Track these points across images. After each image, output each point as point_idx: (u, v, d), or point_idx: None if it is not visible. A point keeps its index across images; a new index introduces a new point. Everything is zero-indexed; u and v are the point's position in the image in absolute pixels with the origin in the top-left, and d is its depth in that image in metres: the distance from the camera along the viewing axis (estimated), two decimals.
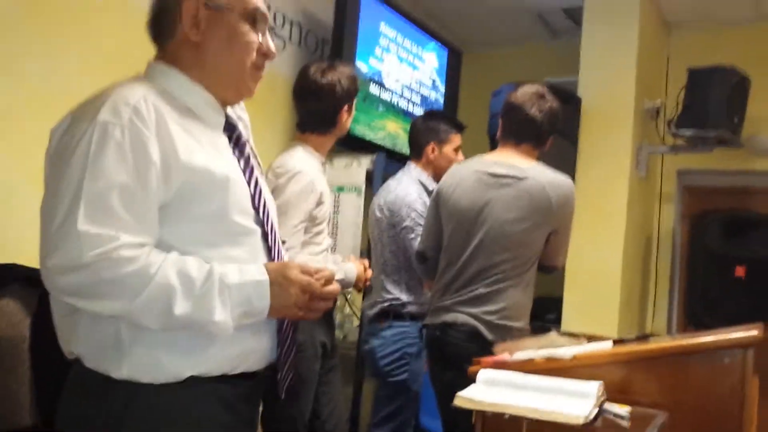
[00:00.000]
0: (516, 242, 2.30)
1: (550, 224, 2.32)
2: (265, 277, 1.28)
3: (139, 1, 2.51)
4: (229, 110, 1.49)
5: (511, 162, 2.37)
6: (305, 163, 2.29)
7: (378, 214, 2.87)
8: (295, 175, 2.22)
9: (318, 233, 2.33)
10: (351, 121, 2.48)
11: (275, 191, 2.10)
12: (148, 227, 1.23)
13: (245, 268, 1.28)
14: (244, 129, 1.56)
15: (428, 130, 3.00)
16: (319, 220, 2.33)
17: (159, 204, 1.25)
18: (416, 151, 3.02)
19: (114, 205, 1.18)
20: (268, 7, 1.50)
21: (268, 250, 1.39)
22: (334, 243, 2.72)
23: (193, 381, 1.26)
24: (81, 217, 1.15)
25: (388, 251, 2.84)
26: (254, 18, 1.39)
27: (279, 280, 1.29)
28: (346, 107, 2.41)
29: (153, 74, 1.38)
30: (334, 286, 1.40)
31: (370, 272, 2.56)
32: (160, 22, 1.39)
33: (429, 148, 2.98)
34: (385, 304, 2.82)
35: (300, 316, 1.36)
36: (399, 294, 2.82)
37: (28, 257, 1.80)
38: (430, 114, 3.17)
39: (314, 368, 2.37)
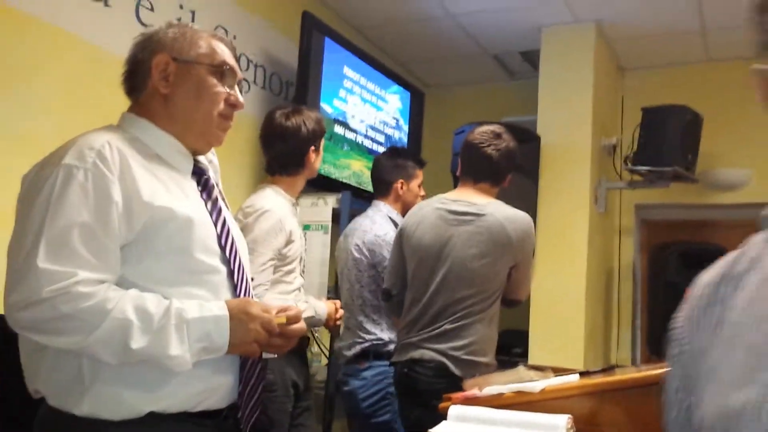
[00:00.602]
0: (478, 278, 2.33)
1: (511, 259, 2.36)
2: (225, 312, 1.30)
3: (103, 46, 2.55)
4: (201, 155, 1.53)
5: (471, 199, 2.43)
6: (274, 202, 2.32)
7: (356, 254, 2.85)
8: (263, 214, 2.24)
9: (289, 272, 2.33)
10: (320, 162, 2.52)
11: (244, 230, 2.11)
12: (107, 265, 1.25)
13: (206, 304, 1.30)
14: (214, 173, 1.60)
15: (396, 167, 3.03)
16: (290, 259, 2.33)
17: (121, 243, 1.28)
18: (383, 189, 3.04)
19: (74, 243, 1.21)
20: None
21: (234, 288, 1.41)
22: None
23: (153, 417, 1.27)
24: (41, 254, 1.19)
25: (367, 291, 2.82)
26: (221, 72, 1.46)
27: (239, 316, 1.31)
28: (312, 148, 2.45)
29: (124, 123, 1.45)
30: (300, 325, 1.42)
31: (341, 312, 2.56)
32: (132, 76, 1.46)
33: (398, 185, 3.02)
34: (366, 344, 2.79)
35: (258, 352, 1.37)
36: (380, 333, 2.80)
37: None
38: (395, 151, 3.20)
39: (285, 408, 2.35)
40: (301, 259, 2.44)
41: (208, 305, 1.30)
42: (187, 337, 1.25)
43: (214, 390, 1.35)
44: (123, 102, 1.97)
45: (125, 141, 1.36)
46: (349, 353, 2.81)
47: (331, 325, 2.54)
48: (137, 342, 1.20)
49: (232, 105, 1.48)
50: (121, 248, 1.28)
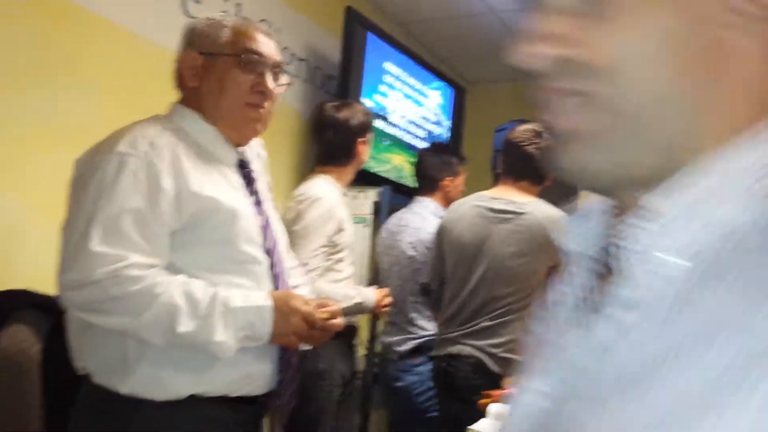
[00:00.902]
0: (516, 276, 2.32)
1: (549, 259, 2.34)
2: (269, 303, 1.34)
3: (149, 37, 2.60)
4: (248, 148, 1.56)
5: (511, 197, 2.42)
6: (324, 190, 2.39)
7: (411, 252, 2.84)
8: (315, 202, 2.31)
9: (339, 260, 2.39)
10: (368, 154, 2.57)
11: (297, 218, 2.21)
12: (157, 250, 1.30)
13: (250, 294, 1.34)
14: (261, 165, 1.63)
15: (443, 164, 3.03)
16: (340, 247, 2.39)
17: (170, 230, 1.32)
18: (430, 186, 3.03)
19: (126, 228, 1.26)
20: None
21: (274, 278, 1.44)
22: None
23: (193, 400, 1.31)
24: (94, 237, 1.24)
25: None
26: (246, 60, 1.46)
27: (282, 308, 1.34)
28: (361, 140, 2.52)
29: (173, 114, 1.49)
30: (339, 321, 1.46)
31: (388, 299, 2.56)
32: (177, 71, 1.52)
33: (445, 182, 3.02)
34: (419, 340, 2.80)
35: (297, 344, 1.41)
36: (433, 329, 2.78)
37: (40, 284, 1.82)
38: (440, 148, 3.18)
39: (333, 397, 2.39)
40: (351, 248, 2.48)
41: (253, 295, 1.33)
42: (231, 324, 1.28)
43: (253, 377, 1.39)
44: (167, 92, 2.01)
45: (174, 132, 1.40)
46: (401, 349, 2.82)
47: (377, 312, 2.56)
48: (184, 326, 1.24)
49: (260, 93, 1.47)
50: (170, 235, 1.32)
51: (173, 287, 1.26)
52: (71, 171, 1.41)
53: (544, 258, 2.33)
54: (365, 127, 2.53)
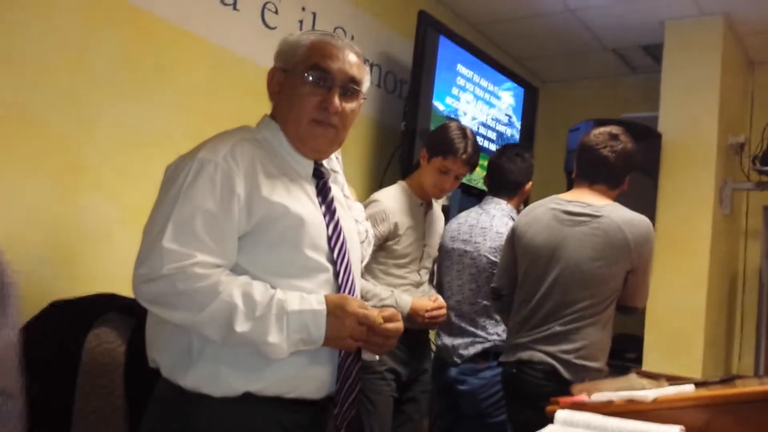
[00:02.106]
0: (592, 281, 2.29)
1: (627, 263, 2.30)
2: (323, 307, 1.38)
3: (231, 48, 2.70)
4: (326, 162, 1.63)
5: (586, 200, 2.38)
6: (387, 194, 2.53)
7: (492, 258, 2.79)
8: (371, 203, 2.46)
9: (398, 266, 2.44)
10: (429, 175, 2.61)
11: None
12: (225, 251, 1.37)
13: (306, 297, 1.38)
14: (336, 180, 1.71)
15: (529, 168, 2.99)
16: (397, 254, 2.44)
17: (239, 233, 1.39)
18: (512, 190, 2.96)
19: (197, 227, 1.33)
20: None
21: (338, 288, 1.48)
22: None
23: (250, 398, 1.36)
24: (167, 235, 1.31)
25: None
26: (314, 75, 1.49)
27: (336, 312, 1.38)
28: (424, 153, 2.63)
29: (259, 125, 1.58)
30: (397, 324, 1.47)
31: (438, 311, 2.56)
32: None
33: (527, 187, 2.99)
34: (488, 345, 2.77)
35: (354, 347, 1.44)
36: (503, 333, 2.76)
37: (126, 288, 1.93)
38: (520, 150, 3.05)
39: (384, 391, 2.43)
40: (420, 259, 2.55)
41: (309, 299, 1.38)
42: (286, 327, 1.34)
43: (308, 379, 1.42)
44: (249, 102, 2.10)
45: (256, 141, 1.49)
46: (467, 352, 2.79)
47: (419, 321, 2.52)
48: (240, 326, 1.31)
49: (325, 109, 1.49)
50: (239, 238, 1.39)
51: (234, 286, 1.32)
52: (161, 180, 1.50)
53: (621, 263, 2.29)
54: (427, 143, 2.67)
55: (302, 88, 1.49)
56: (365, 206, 2.34)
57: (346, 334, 1.39)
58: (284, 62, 1.53)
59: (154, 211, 1.40)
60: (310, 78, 1.49)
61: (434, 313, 2.55)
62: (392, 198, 2.52)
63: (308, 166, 1.55)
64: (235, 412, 1.35)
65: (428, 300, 2.57)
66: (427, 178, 2.60)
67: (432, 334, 3.03)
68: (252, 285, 1.35)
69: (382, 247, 2.48)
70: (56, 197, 2.16)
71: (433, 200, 2.74)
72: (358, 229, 1.75)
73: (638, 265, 2.33)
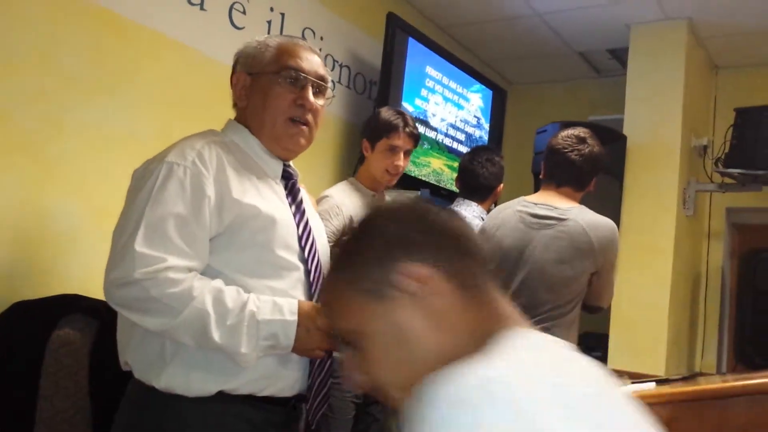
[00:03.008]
0: (557, 283, 2.32)
1: (591, 265, 2.33)
2: (294, 318, 1.39)
3: (199, 48, 2.68)
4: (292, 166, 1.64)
5: (553, 203, 2.41)
6: (337, 190, 2.54)
7: None
8: (321, 199, 2.47)
9: None
10: (378, 158, 2.60)
11: None
12: (197, 253, 1.37)
13: (279, 305, 1.39)
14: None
15: (500, 171, 3.02)
16: None
17: (211, 235, 1.40)
18: (484, 194, 2.99)
19: (169, 231, 1.34)
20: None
21: (309, 286, 1.50)
22: None
23: (223, 397, 1.38)
24: (139, 238, 1.31)
25: None
26: (287, 76, 1.53)
27: (306, 324, 1.40)
28: (365, 141, 2.64)
29: (225, 129, 1.61)
30: None
31: None
32: (232, 91, 1.62)
33: (499, 189, 3.03)
34: None
35: (322, 356, 1.47)
36: None
37: (91, 289, 1.91)
38: (490, 155, 3.06)
39: (345, 396, 2.42)
40: None
41: (281, 307, 1.39)
42: (255, 335, 1.35)
43: (280, 378, 1.44)
44: (218, 102, 2.09)
45: (224, 144, 1.49)
46: None
47: None
48: (214, 333, 1.32)
49: (301, 106, 1.53)
50: (211, 240, 1.40)
51: (206, 293, 1.33)
52: (127, 179, 1.50)
53: (586, 265, 2.32)
54: (368, 129, 2.68)
55: (276, 88, 1.52)
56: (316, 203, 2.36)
57: (314, 345, 1.41)
58: (250, 66, 1.56)
59: (123, 215, 1.40)
60: (286, 78, 1.53)
61: None
62: (343, 192, 2.52)
63: (277, 167, 1.57)
64: (207, 410, 1.37)
65: None
66: (377, 165, 2.59)
67: None
68: (224, 292, 1.35)
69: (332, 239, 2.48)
70: (21, 195, 2.13)
71: (386, 193, 2.73)
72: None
73: (602, 267, 2.36)
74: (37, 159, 2.17)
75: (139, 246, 1.30)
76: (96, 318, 1.95)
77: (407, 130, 2.57)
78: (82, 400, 1.86)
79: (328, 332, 1.41)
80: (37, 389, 1.81)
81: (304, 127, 1.55)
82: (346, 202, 2.47)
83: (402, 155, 2.59)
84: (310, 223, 1.57)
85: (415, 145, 2.66)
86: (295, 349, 1.40)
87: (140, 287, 1.29)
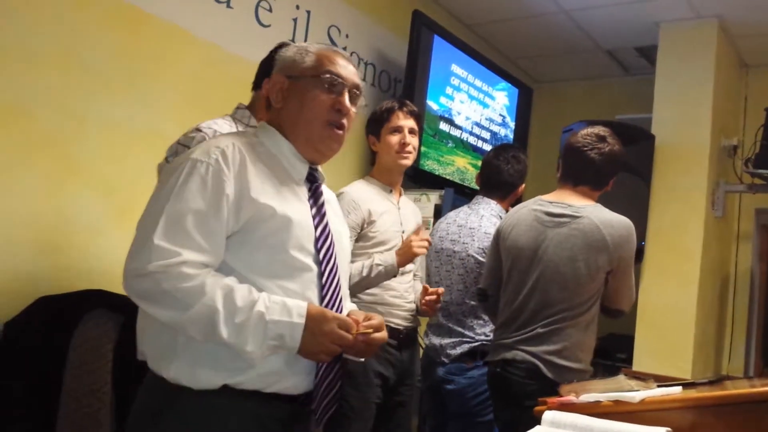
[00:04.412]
0: (570, 281, 2.28)
1: (606, 263, 2.29)
2: (302, 321, 1.40)
3: (224, 45, 2.69)
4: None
5: (568, 201, 2.38)
6: (354, 186, 2.54)
7: (480, 258, 2.79)
8: (338, 195, 2.39)
9: (379, 253, 2.42)
10: (388, 148, 2.58)
11: None
12: (213, 249, 1.40)
13: (288, 307, 1.41)
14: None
15: (523, 170, 2.97)
16: (376, 240, 2.44)
17: (228, 232, 1.43)
18: (505, 191, 2.96)
19: (187, 226, 1.37)
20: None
21: (321, 288, 1.51)
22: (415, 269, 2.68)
23: (228, 391, 1.40)
24: (158, 231, 1.35)
25: None
26: (326, 81, 1.56)
27: (312, 329, 1.40)
28: (371, 136, 2.64)
29: (257, 129, 1.65)
30: (382, 334, 1.52)
31: (434, 297, 2.51)
32: (266, 94, 1.66)
33: (520, 189, 2.99)
34: (475, 344, 2.76)
35: (328, 361, 1.47)
36: (490, 333, 2.74)
37: (114, 284, 1.92)
38: (516, 152, 3.02)
39: (368, 397, 2.40)
40: (393, 241, 2.51)
41: (290, 308, 1.41)
42: (262, 334, 1.37)
43: (288, 375, 1.45)
44: (243, 99, 2.10)
45: (250, 144, 1.53)
46: (455, 352, 2.78)
47: (411, 253, 2.43)
48: (222, 330, 1.35)
49: (338, 111, 1.57)
50: (227, 237, 1.43)
51: (217, 289, 1.35)
52: (150, 176, 1.56)
53: (599, 263, 2.28)
54: (370, 122, 2.67)
55: (314, 91, 1.56)
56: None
57: (319, 350, 1.42)
58: (289, 69, 1.59)
59: (147, 208, 1.44)
60: (324, 82, 1.56)
61: (420, 241, 2.44)
62: (359, 188, 2.52)
63: (303, 169, 1.59)
64: (213, 404, 1.39)
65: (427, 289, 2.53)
66: (387, 153, 2.57)
67: (420, 332, 3.03)
68: (234, 290, 1.37)
69: (360, 236, 2.47)
70: (45, 192, 2.16)
71: (404, 194, 2.70)
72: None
73: (617, 266, 2.31)
74: (60, 156, 2.20)
75: (158, 239, 1.34)
76: (119, 313, 1.97)
77: (405, 109, 2.58)
78: (106, 395, 1.88)
79: (333, 340, 1.42)
80: (60, 384, 1.83)
81: (341, 132, 1.59)
82: (363, 197, 2.47)
83: (407, 133, 2.57)
84: (330, 226, 1.58)
85: (419, 123, 2.64)
86: (301, 352, 1.41)
87: (153, 279, 1.33)
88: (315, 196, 1.60)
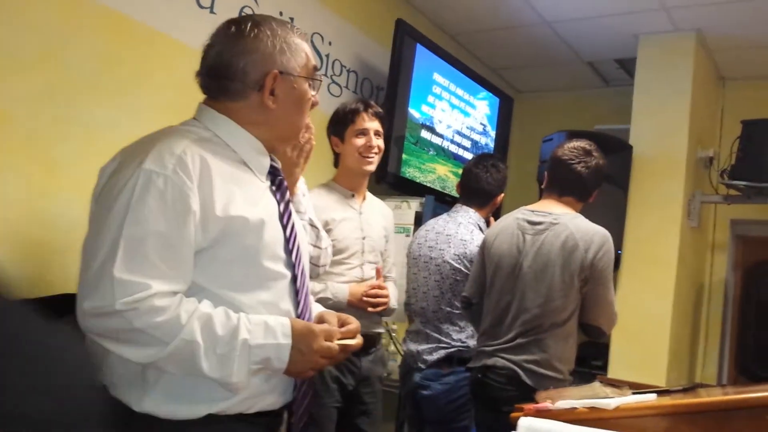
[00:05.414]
0: (546, 287, 2.31)
1: (578, 269, 2.30)
2: (288, 341, 1.32)
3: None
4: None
5: (550, 210, 2.43)
6: (312, 195, 2.38)
7: (456, 264, 2.81)
8: None
9: (337, 263, 2.35)
10: (351, 149, 2.51)
11: None
12: (181, 275, 1.27)
13: (271, 327, 1.31)
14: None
15: (503, 180, 2.99)
16: (334, 249, 2.35)
17: (195, 250, 1.29)
18: (484, 200, 2.97)
19: (150, 253, 1.22)
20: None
21: (295, 294, 1.44)
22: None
23: (210, 418, 1.30)
24: (118, 263, 1.19)
25: (458, 299, 2.78)
26: (315, 79, 1.50)
27: (301, 348, 1.33)
28: (333, 137, 2.56)
29: (203, 119, 1.46)
30: (357, 341, 1.46)
31: (381, 291, 2.46)
32: (227, 81, 1.44)
33: (499, 198, 3.01)
34: (451, 350, 2.78)
35: (314, 375, 1.42)
36: (466, 340, 2.79)
37: None
38: (495, 162, 3.04)
39: (325, 403, 2.35)
40: (362, 253, 2.46)
41: (274, 329, 1.32)
42: (246, 361, 1.28)
43: (268, 393, 1.39)
44: None
45: (204, 142, 1.36)
46: (431, 357, 2.80)
47: (362, 307, 2.41)
48: (204, 364, 1.24)
49: (313, 105, 1.51)
50: (195, 253, 1.30)
51: (195, 320, 1.24)
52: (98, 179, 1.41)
53: (573, 268, 2.30)
54: (332, 122, 2.60)
55: (308, 93, 1.48)
56: None
57: (308, 367, 1.36)
58: (284, 66, 1.44)
59: (94, 228, 1.27)
60: (314, 80, 1.49)
61: (372, 292, 2.41)
62: (317, 196, 2.41)
63: (266, 162, 1.48)
64: (191, 430, 1.30)
65: (360, 285, 2.45)
66: (351, 156, 2.50)
67: (388, 338, 3.02)
68: (213, 318, 1.26)
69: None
70: (24, 196, 2.14)
71: (368, 194, 2.63)
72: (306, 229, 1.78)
73: (591, 275, 2.31)
74: (42, 160, 2.18)
75: (119, 271, 1.19)
76: None
77: (370, 110, 2.51)
78: None
79: (323, 354, 1.36)
80: (35, 388, 1.81)
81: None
82: (320, 205, 2.35)
83: (372, 135, 2.50)
84: (295, 225, 1.50)
85: (383, 126, 2.57)
86: (288, 372, 1.34)
87: (122, 318, 1.18)
88: (280, 190, 1.49)
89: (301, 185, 1.85)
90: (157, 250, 1.23)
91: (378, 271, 2.52)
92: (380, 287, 2.46)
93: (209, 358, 1.24)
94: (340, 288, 2.40)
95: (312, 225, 1.96)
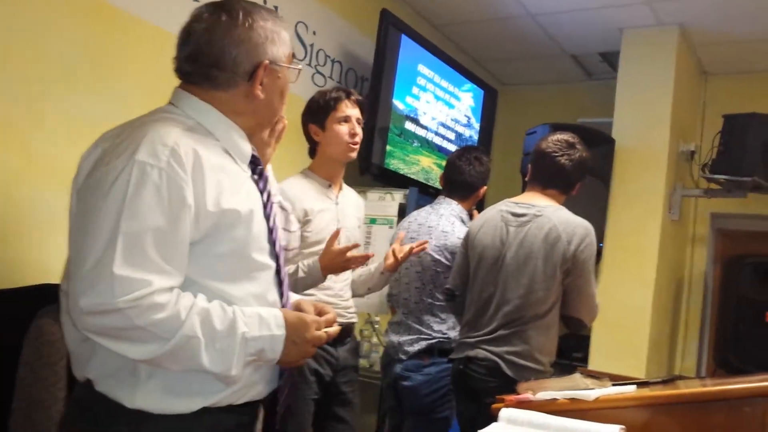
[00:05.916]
0: (528, 279, 2.32)
1: (560, 260, 2.32)
2: (282, 332, 1.33)
3: None
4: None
5: (533, 202, 2.44)
6: (289, 182, 2.40)
7: (436, 256, 2.81)
8: None
9: (314, 254, 2.30)
10: (333, 139, 2.44)
11: None
12: (177, 269, 1.25)
13: (265, 319, 1.32)
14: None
15: (486, 172, 3.00)
16: (311, 240, 2.34)
17: (189, 243, 1.28)
18: (466, 192, 2.99)
19: (149, 249, 1.20)
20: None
21: (279, 284, 1.45)
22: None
23: (203, 412, 1.31)
24: (117, 259, 1.17)
25: (439, 291, 2.81)
26: (293, 65, 1.49)
27: (295, 339, 1.35)
28: (311, 125, 2.48)
29: (183, 106, 1.42)
30: (335, 328, 1.47)
31: (348, 253, 2.25)
32: (212, 69, 1.40)
33: (482, 191, 3.02)
34: (432, 341, 2.79)
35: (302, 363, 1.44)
36: (447, 331, 2.81)
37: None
38: (479, 154, 3.04)
39: (306, 395, 2.35)
40: (338, 243, 2.31)
41: (267, 320, 1.33)
42: (243, 354, 1.29)
43: (257, 383, 1.40)
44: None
45: (190, 132, 1.34)
46: (412, 349, 2.80)
47: (332, 266, 2.26)
48: (205, 359, 1.24)
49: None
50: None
51: (194, 316, 1.23)
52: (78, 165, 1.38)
53: (555, 260, 2.31)
54: (311, 110, 2.51)
55: (288, 78, 1.47)
56: None
57: (300, 357, 1.38)
58: (273, 56, 1.42)
59: (84, 222, 1.23)
60: (295, 69, 1.49)
61: (344, 248, 2.23)
62: (296, 185, 2.39)
63: (248, 150, 1.46)
64: (185, 425, 1.29)
65: (331, 250, 2.24)
66: (333, 142, 2.44)
67: (371, 330, 3.03)
68: (210, 312, 1.26)
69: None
70: (3, 183, 2.11)
71: (344, 185, 2.59)
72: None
73: (573, 267, 2.33)
74: (18, 147, 2.15)
75: (119, 268, 1.16)
76: None
77: (352, 97, 2.47)
78: (61, 390, 1.85)
79: (315, 344, 1.38)
80: (13, 379, 1.79)
81: None
82: (299, 195, 2.34)
83: (355, 122, 2.45)
84: (277, 214, 1.51)
85: (364, 114, 2.52)
86: (281, 362, 1.36)
87: (123, 316, 1.16)
88: (262, 179, 1.48)
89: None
90: (156, 246, 1.21)
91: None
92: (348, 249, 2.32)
93: (210, 353, 1.24)
94: (310, 264, 2.28)
95: (282, 207, 1.91)
